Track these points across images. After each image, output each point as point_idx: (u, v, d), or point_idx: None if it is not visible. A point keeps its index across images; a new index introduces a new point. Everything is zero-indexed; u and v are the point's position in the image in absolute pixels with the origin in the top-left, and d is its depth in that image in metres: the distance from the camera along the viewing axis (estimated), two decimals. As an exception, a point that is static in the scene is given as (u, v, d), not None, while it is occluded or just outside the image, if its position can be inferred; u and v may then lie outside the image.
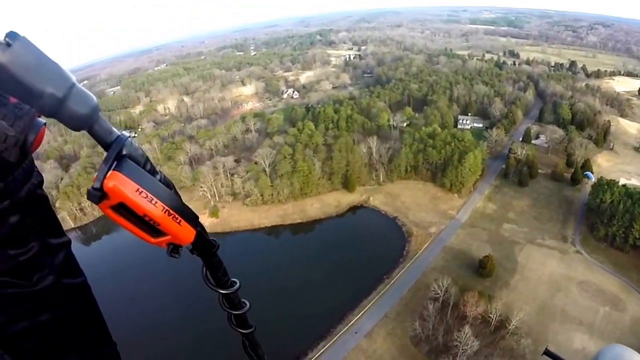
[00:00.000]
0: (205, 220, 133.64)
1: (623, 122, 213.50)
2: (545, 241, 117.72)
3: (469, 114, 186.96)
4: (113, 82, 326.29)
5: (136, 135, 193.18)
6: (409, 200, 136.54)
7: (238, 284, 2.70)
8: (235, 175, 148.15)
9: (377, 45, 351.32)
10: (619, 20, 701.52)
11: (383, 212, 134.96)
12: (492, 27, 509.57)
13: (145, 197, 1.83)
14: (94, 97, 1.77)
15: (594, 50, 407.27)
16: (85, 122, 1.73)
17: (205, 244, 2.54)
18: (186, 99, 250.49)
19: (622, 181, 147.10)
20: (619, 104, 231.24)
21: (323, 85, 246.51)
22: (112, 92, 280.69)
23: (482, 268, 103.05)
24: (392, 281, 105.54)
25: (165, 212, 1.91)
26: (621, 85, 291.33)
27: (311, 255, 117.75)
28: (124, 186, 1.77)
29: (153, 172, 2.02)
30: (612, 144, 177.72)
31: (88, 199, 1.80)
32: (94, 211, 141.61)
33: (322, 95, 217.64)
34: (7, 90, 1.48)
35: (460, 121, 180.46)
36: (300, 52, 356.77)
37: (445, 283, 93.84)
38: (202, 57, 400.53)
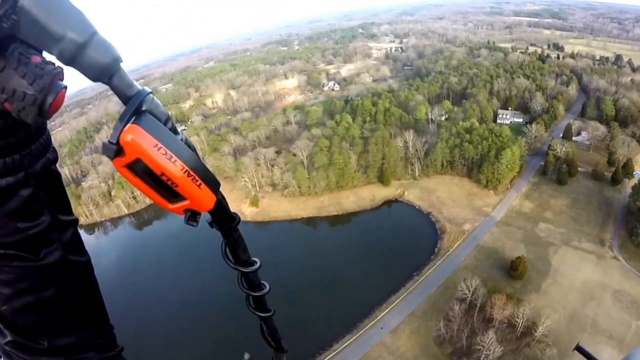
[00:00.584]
0: (246, 209, 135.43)
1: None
2: (582, 244, 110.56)
3: (509, 108, 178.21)
4: (166, 80, 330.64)
5: (186, 128, 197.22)
6: (444, 196, 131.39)
7: (259, 264, 2.49)
8: (276, 167, 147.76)
9: (418, 38, 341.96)
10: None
11: (417, 207, 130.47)
12: (536, 19, 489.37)
13: (165, 154, 1.64)
14: (116, 48, 1.64)
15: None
16: (105, 72, 1.61)
17: (225, 216, 2.24)
18: (232, 93, 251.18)
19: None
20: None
21: (363, 78, 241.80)
22: (165, 89, 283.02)
23: (513, 270, 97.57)
24: (422, 278, 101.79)
25: (185, 173, 1.70)
26: None
27: (344, 248, 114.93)
28: (141, 140, 1.60)
29: (174, 131, 1.84)
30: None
31: (103, 153, 1.65)
32: (145, 198, 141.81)
33: (362, 88, 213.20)
34: (27, 33, 1.42)
35: (500, 115, 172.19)
36: (342, 45, 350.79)
37: (473, 284, 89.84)
38: (248, 53, 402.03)
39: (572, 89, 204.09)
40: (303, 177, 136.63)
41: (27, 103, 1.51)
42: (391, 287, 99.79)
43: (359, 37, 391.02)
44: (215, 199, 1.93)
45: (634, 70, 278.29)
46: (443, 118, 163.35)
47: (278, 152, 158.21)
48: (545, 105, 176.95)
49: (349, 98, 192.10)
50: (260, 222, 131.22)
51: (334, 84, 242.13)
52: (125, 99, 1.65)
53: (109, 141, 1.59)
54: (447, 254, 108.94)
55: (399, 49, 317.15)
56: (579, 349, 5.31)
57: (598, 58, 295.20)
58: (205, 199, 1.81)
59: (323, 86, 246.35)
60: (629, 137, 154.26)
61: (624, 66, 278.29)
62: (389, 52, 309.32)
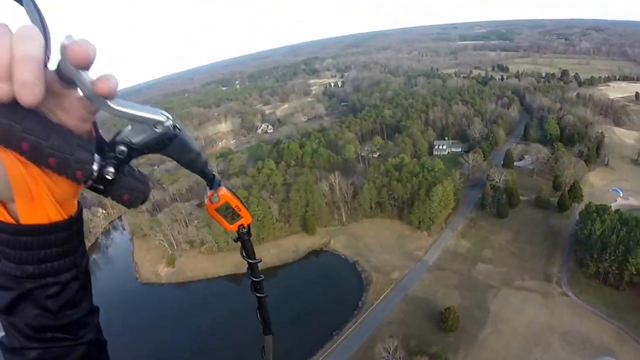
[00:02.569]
0: (162, 270, 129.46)
1: (619, 131, 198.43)
2: (525, 282, 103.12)
3: (446, 138, 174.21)
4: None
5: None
6: (372, 242, 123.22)
7: (260, 259, 3.40)
8: (193, 222, 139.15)
9: (359, 71, 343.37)
10: (613, 23, 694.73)
11: (343, 256, 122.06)
12: (482, 42, 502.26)
13: (234, 195, 2.75)
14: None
15: (588, 57, 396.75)
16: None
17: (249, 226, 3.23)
18: None
19: (617, 202, 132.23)
20: (614, 112, 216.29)
21: (297, 117, 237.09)
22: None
23: (443, 322, 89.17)
24: (341, 338, 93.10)
25: (239, 200, 2.80)
26: (617, 91, 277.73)
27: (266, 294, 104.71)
28: (227, 192, 2.70)
29: None
30: (606, 159, 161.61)
31: (210, 209, 2.73)
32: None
33: (293, 129, 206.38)
34: (184, 157, 2.13)
35: (436, 147, 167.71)
36: (282, 83, 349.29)
37: (392, 345, 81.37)
38: (186, 95, 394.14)
39: (514, 111, 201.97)
40: (220, 232, 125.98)
41: (141, 197, 2.14)
42: (307, 350, 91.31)
43: (301, 74, 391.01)
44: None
45: (580, 84, 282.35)
46: (375, 155, 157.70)
47: (200, 205, 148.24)
48: (485, 131, 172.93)
49: (278, 141, 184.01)
50: (177, 284, 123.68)
51: (268, 126, 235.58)
52: (205, 176, 2.63)
53: (211, 201, 2.66)
54: (372, 307, 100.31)
55: (338, 83, 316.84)
56: None
57: (544, 75, 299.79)
58: (248, 213, 2.92)
59: (256, 129, 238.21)
60: (575, 158, 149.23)
61: (570, 81, 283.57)
62: (327, 88, 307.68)
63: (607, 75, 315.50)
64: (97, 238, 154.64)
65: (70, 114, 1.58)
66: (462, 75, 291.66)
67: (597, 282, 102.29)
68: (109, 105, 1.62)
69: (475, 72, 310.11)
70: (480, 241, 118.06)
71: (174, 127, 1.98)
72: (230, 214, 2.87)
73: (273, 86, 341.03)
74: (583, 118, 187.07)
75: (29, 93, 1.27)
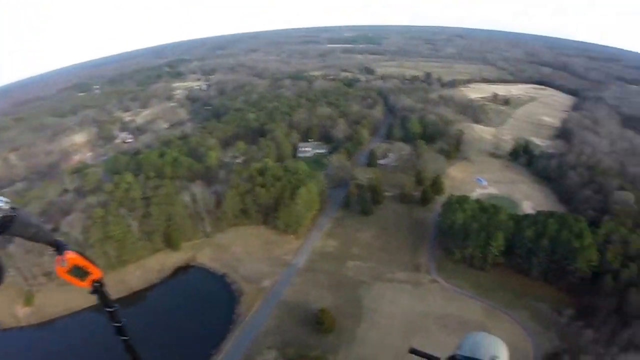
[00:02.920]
0: (20, 310, 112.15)
1: (478, 128, 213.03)
2: (396, 274, 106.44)
3: (310, 140, 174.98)
4: None
5: None
6: (239, 251, 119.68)
7: (118, 306, 3.86)
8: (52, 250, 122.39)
9: (225, 73, 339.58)
10: (475, 31, 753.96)
11: (211, 270, 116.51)
12: (350, 46, 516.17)
13: (80, 255, 2.93)
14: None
15: (451, 61, 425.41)
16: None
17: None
18: (12, 156, 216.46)
19: (477, 192, 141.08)
20: (473, 111, 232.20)
21: (158, 124, 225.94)
22: None
23: (319, 324, 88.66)
24: (221, 357, 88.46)
25: (85, 259, 2.98)
26: (476, 91, 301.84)
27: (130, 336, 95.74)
28: (75, 255, 2.91)
29: None
30: (466, 153, 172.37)
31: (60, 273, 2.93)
32: None
33: (153, 138, 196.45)
34: (27, 233, 2.53)
35: (301, 149, 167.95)
36: (144, 87, 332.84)
37: (272, 356, 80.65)
38: (38, 103, 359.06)
39: (378, 111, 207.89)
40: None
41: None
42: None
43: (165, 77, 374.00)
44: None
45: (443, 85, 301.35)
46: (239, 161, 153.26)
47: (55, 230, 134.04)
48: (349, 131, 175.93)
49: (136, 151, 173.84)
50: (39, 325, 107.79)
51: (127, 135, 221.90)
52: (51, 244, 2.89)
53: (60, 264, 2.88)
54: (246, 319, 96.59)
55: (203, 87, 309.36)
56: (413, 351, 6.04)
57: (408, 78, 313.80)
58: (96, 269, 3.07)
59: (115, 139, 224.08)
60: (436, 154, 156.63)
61: (433, 83, 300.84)
62: (190, 91, 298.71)
63: (468, 78, 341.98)
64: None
65: None
66: (329, 78, 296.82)
67: (463, 266, 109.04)
68: None
69: (342, 75, 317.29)
70: (347, 239, 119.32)
71: (12, 209, 2.12)
72: (80, 272, 3.17)
73: (134, 91, 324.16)
74: (444, 117, 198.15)
75: None
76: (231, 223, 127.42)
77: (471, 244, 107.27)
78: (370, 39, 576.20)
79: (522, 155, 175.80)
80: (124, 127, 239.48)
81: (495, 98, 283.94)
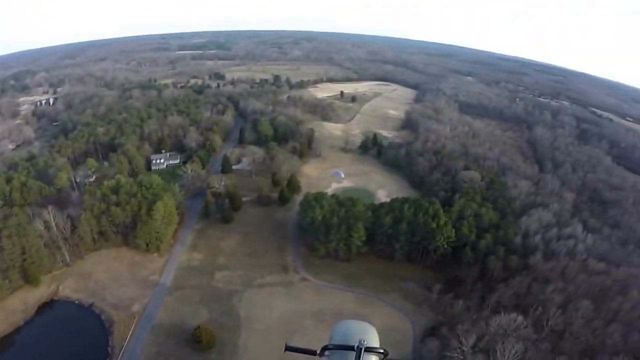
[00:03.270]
0: None
1: (328, 125, 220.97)
2: (266, 278, 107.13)
3: (163, 151, 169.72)
4: None
5: None
6: (104, 277, 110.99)
7: None
8: None
9: (73, 85, 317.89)
10: (322, 34, 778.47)
11: (77, 302, 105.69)
12: (200, 52, 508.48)
13: None
14: None
15: (298, 63, 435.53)
16: None
17: None
18: None
19: (333, 187, 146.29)
20: (322, 109, 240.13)
21: (3, 145, 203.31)
22: None
23: (197, 342, 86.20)
24: None
25: None
26: (324, 91, 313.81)
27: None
28: None
29: None
30: (319, 150, 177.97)
31: None
32: None
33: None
34: None
35: (154, 161, 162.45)
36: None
37: None
38: None
39: (229, 116, 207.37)
40: None
41: None
42: None
43: (10, 91, 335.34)
44: None
45: (292, 87, 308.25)
46: (92, 179, 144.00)
47: None
48: (201, 139, 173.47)
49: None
50: None
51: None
52: None
53: None
54: (122, 350, 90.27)
55: (50, 100, 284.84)
56: (288, 348, 5.99)
57: (258, 81, 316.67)
58: None
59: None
60: (289, 154, 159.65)
61: (282, 85, 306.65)
62: (37, 106, 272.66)
63: (315, 79, 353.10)
64: None
65: None
66: (179, 85, 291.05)
67: (329, 260, 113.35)
68: None
69: (192, 81, 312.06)
70: (212, 250, 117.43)
71: None
72: None
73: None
74: (294, 117, 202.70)
75: None
76: (91, 248, 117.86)
77: (333, 238, 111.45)
78: (220, 45, 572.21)
79: (371, 148, 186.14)
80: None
81: (342, 96, 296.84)
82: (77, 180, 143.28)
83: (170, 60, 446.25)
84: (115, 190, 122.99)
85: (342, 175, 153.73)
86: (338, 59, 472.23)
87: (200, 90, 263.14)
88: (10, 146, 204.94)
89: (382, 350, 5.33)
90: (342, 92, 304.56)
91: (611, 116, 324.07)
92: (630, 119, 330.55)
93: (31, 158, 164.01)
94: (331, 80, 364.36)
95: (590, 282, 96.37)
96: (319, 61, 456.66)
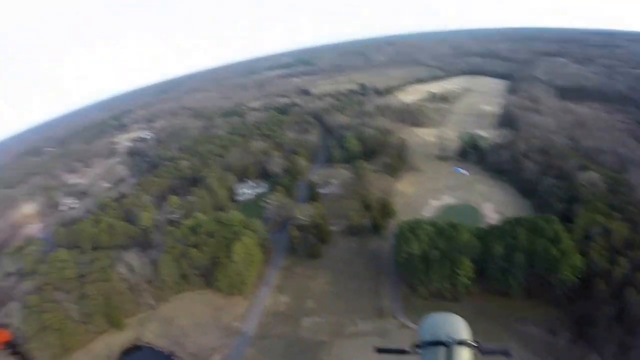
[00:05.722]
0: None
1: (420, 131, 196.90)
2: (359, 326, 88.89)
3: (248, 180, 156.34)
4: None
5: None
6: (186, 323, 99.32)
7: None
8: None
9: (167, 119, 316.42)
10: (402, 36, 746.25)
11: (159, 350, 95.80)
12: (287, 71, 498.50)
13: None
14: None
15: (383, 68, 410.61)
16: None
17: None
18: None
19: (432, 206, 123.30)
20: (412, 114, 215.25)
21: (99, 186, 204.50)
22: None
23: None
24: None
25: None
26: (412, 94, 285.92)
27: None
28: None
29: None
30: (412, 162, 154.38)
31: None
32: None
33: (91, 202, 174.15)
34: None
35: (239, 192, 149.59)
36: (89, 145, 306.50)
37: None
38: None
39: (315, 135, 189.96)
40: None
41: None
42: None
43: (109, 131, 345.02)
44: None
45: (378, 93, 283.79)
46: (176, 216, 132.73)
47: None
48: (286, 163, 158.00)
49: (73, 220, 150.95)
50: None
51: (72, 201, 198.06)
52: None
53: None
54: None
55: (143, 137, 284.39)
56: (380, 350, 5.79)
57: (344, 92, 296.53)
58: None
59: (60, 206, 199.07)
60: (379, 172, 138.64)
61: (369, 93, 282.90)
62: (134, 144, 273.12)
63: (401, 82, 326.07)
64: None
65: None
66: (266, 107, 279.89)
67: (433, 301, 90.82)
68: None
69: (280, 101, 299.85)
70: (300, 292, 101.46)
71: None
72: None
73: (80, 150, 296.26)
74: (382, 128, 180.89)
75: None
76: (174, 290, 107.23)
77: (435, 276, 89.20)
78: (305, 61, 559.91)
79: (471, 152, 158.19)
80: (69, 192, 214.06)
81: (431, 96, 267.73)
82: (160, 218, 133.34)
83: (258, 82, 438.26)
84: (194, 230, 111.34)
85: (464, 172, 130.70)
86: (422, 58, 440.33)
87: (284, 110, 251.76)
88: (106, 185, 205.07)
89: (473, 343, 5.22)
90: (431, 92, 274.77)
91: None
92: None
93: (121, 197, 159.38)
94: (418, 81, 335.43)
95: None
96: (404, 63, 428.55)
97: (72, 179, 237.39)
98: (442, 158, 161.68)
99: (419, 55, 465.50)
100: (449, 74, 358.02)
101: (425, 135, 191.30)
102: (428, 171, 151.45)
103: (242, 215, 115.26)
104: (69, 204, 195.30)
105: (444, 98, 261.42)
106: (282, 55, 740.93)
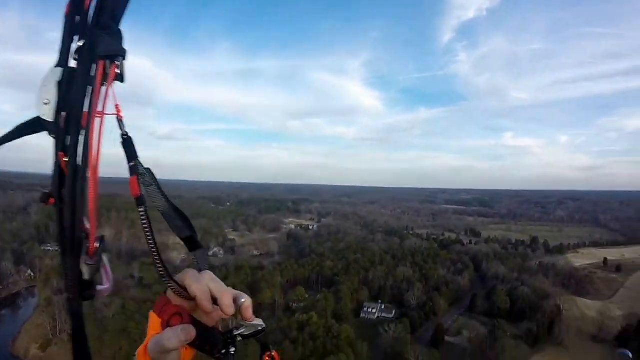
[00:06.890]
0: (33, 349, 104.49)
1: (581, 302, 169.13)
2: None
3: (380, 301, 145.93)
4: None
5: None
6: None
7: None
8: None
9: (336, 219, 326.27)
10: (589, 193, 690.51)
11: None
12: (463, 207, 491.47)
13: None
14: None
15: (561, 225, 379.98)
16: None
17: None
18: None
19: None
20: (577, 281, 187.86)
21: (249, 250, 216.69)
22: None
23: None
24: None
25: None
26: (584, 257, 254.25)
27: None
28: None
29: None
30: (561, 337, 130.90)
31: None
32: None
33: (235, 259, 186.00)
34: None
35: (366, 309, 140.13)
36: (260, 215, 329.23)
37: None
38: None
39: (465, 278, 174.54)
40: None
41: None
42: None
43: (283, 210, 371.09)
44: None
45: (549, 251, 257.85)
46: (297, 306, 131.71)
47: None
48: (424, 298, 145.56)
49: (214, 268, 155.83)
50: None
51: (219, 251, 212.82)
52: None
53: None
54: None
55: (309, 226, 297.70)
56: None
57: (513, 242, 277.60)
58: None
59: (210, 250, 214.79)
60: (518, 338, 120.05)
61: (538, 248, 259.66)
62: (295, 228, 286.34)
63: (576, 242, 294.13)
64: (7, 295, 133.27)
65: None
66: (424, 237, 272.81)
67: None
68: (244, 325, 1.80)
69: (446, 235, 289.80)
70: None
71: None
72: None
73: (251, 215, 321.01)
74: (540, 289, 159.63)
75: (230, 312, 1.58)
76: None
77: None
78: (483, 202, 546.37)
79: (633, 339, 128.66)
80: (222, 244, 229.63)
81: (605, 264, 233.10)
82: (279, 301, 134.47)
83: (432, 212, 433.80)
84: (303, 326, 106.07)
85: (630, 354, 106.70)
86: (604, 219, 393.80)
87: (445, 245, 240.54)
88: (255, 252, 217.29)
89: None
90: (605, 260, 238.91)
91: None
92: None
93: (256, 268, 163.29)
94: (595, 244, 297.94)
95: None
96: (584, 222, 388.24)
97: (231, 235, 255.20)
98: (598, 340, 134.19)
99: (602, 215, 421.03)
100: (631, 240, 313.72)
101: (585, 308, 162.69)
102: (575, 351, 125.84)
103: (352, 333, 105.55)
104: (216, 252, 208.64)
105: (618, 268, 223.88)
106: (463, 191, 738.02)
